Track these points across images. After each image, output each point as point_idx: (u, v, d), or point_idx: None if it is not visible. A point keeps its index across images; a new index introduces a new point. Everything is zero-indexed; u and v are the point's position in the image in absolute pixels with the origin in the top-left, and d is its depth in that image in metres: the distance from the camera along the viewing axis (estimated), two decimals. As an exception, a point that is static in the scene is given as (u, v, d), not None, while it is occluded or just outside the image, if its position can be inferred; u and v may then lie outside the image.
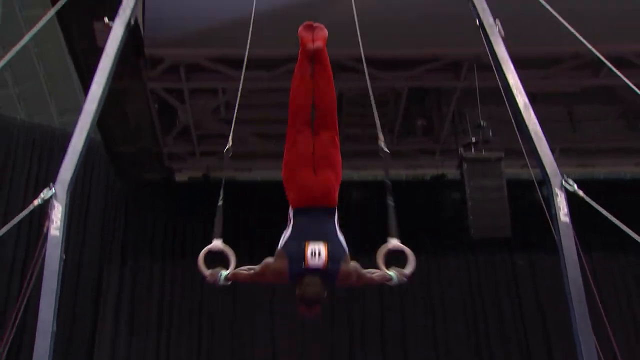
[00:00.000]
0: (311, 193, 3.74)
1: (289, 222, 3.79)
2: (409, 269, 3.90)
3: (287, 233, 3.74)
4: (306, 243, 3.56)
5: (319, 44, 3.94)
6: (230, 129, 4.38)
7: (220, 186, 4.06)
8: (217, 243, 4.00)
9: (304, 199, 3.77)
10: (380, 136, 4.08)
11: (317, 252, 3.53)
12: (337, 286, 3.74)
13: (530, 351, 9.58)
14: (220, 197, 3.97)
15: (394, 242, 3.96)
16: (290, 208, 3.83)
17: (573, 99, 9.25)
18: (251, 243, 9.69)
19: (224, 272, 3.82)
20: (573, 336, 4.25)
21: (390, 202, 4.03)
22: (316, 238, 3.58)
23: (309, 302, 3.55)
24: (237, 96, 8.78)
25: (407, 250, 3.95)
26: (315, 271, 3.52)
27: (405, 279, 3.87)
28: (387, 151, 4.04)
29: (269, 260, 3.70)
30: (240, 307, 9.61)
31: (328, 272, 3.56)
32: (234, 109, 9.08)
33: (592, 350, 4.09)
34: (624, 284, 9.91)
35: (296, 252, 3.57)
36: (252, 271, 3.78)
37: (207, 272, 3.85)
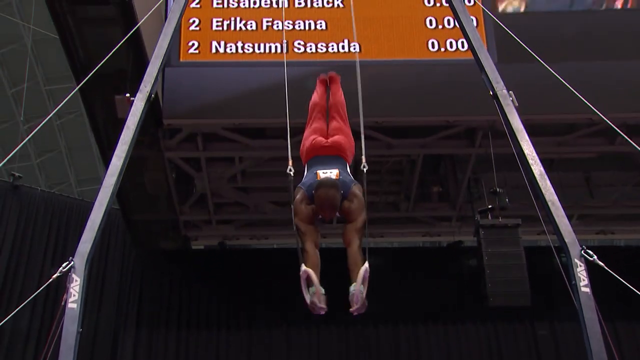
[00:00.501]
0: (323, 146, 4.25)
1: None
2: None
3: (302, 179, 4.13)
4: (317, 172, 4.04)
5: (332, 74, 4.69)
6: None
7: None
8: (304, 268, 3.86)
9: (317, 150, 4.25)
10: (364, 159, 4.28)
11: (328, 173, 4.01)
12: (342, 211, 3.90)
13: None
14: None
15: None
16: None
17: (590, 165, 9.24)
18: (267, 308, 9.64)
19: (311, 290, 3.77)
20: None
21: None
22: (327, 168, 4.06)
23: (324, 203, 3.81)
24: (252, 165, 8.99)
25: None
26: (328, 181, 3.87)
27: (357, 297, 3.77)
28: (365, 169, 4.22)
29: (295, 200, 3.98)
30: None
31: (339, 186, 3.86)
32: (251, 176, 9.28)
33: None
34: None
35: (310, 179, 4.03)
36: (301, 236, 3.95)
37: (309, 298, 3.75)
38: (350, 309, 3.75)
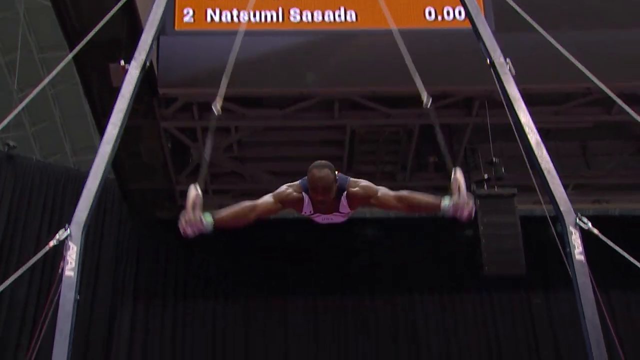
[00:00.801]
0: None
1: None
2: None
3: None
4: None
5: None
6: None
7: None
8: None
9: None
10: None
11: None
12: (351, 200, 3.64)
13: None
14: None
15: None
16: None
17: (587, 134, 9.23)
18: (264, 277, 9.70)
19: (208, 216, 3.65)
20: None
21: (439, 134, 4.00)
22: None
23: (317, 184, 3.49)
24: (248, 134, 8.97)
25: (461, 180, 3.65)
26: (321, 162, 3.56)
27: (463, 200, 3.58)
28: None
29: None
30: (252, 344, 9.53)
31: (333, 167, 3.56)
32: (247, 146, 9.26)
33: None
34: (641, 321, 9.75)
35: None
36: (251, 204, 3.69)
37: (186, 218, 3.67)
38: (462, 216, 3.59)
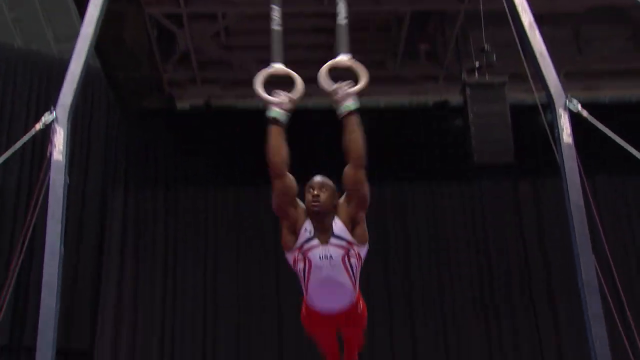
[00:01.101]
0: None
1: None
2: (361, 84, 3.57)
3: None
4: None
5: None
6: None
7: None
8: (278, 66, 3.73)
9: None
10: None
11: None
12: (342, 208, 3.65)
13: (530, 275, 9.74)
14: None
15: (344, 58, 3.69)
16: None
17: (580, 20, 9.04)
18: (254, 168, 9.73)
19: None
20: (574, 259, 4.30)
21: (341, 20, 3.81)
22: None
23: (315, 179, 3.64)
24: (236, 21, 8.74)
25: (358, 64, 3.62)
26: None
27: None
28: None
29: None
30: (244, 228, 9.71)
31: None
32: (235, 34, 9.04)
33: (592, 272, 4.14)
34: (626, 207, 9.95)
35: None
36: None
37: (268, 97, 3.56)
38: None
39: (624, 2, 5.10)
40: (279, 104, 3.55)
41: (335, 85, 3.55)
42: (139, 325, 9.21)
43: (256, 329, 9.28)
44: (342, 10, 3.79)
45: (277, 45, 3.71)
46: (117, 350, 9.02)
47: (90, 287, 9.17)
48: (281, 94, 3.58)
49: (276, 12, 3.76)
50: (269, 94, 3.59)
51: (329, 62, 3.62)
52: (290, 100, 3.58)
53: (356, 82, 3.58)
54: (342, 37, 3.62)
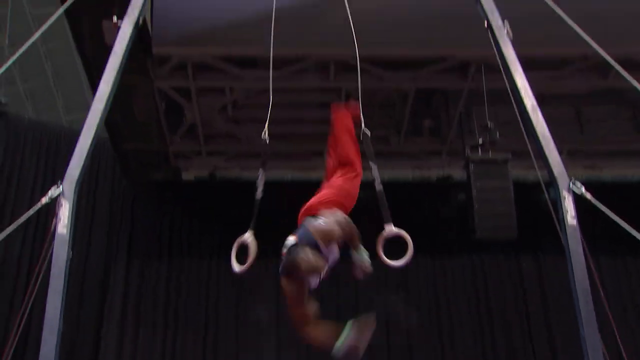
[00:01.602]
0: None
1: None
2: (407, 255, 3.99)
3: None
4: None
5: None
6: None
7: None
8: (249, 235, 4.20)
9: None
10: (361, 118, 4.34)
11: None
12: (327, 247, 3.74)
13: (535, 353, 9.56)
14: (259, 190, 4.03)
15: (390, 229, 4.07)
16: None
17: (582, 100, 9.21)
18: (257, 238, 9.70)
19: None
20: (580, 340, 4.23)
21: (379, 186, 4.05)
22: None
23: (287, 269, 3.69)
24: (243, 96, 8.90)
25: (404, 234, 4.05)
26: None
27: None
28: (368, 133, 4.05)
29: None
30: (244, 306, 9.61)
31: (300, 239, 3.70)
32: (242, 107, 9.20)
33: (599, 354, 4.07)
34: (631, 288, 9.86)
35: None
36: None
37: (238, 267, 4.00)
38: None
39: (623, 84, 5.20)
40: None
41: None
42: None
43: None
44: (376, 175, 4.18)
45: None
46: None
47: (90, 359, 9.00)
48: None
49: (262, 179, 3.88)
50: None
51: (382, 236, 4.03)
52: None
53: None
54: (383, 206, 4.06)
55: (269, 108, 4.34)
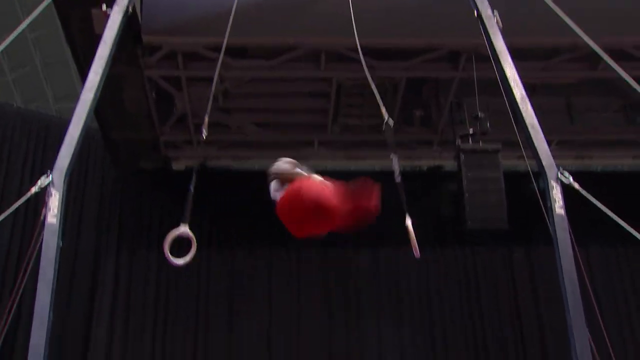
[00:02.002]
0: None
1: None
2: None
3: None
4: None
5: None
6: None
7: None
8: (184, 228, 4.10)
9: None
10: (383, 110, 4.08)
11: None
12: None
13: (524, 344, 9.63)
14: (192, 183, 4.12)
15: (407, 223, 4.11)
16: None
17: (572, 90, 9.22)
18: (248, 230, 9.72)
19: None
20: (567, 328, 4.27)
21: (398, 178, 4.06)
22: None
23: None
24: (235, 85, 8.88)
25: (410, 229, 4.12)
26: None
27: None
28: (391, 123, 4.09)
29: None
30: (237, 293, 9.62)
31: None
32: (231, 97, 9.18)
33: (585, 343, 4.11)
34: (619, 277, 9.93)
35: None
36: None
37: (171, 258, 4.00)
38: None
39: (613, 74, 5.23)
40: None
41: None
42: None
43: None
44: (396, 168, 4.23)
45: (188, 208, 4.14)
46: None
47: (80, 350, 8.99)
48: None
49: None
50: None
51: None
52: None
53: None
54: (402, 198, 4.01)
55: (210, 99, 4.32)
